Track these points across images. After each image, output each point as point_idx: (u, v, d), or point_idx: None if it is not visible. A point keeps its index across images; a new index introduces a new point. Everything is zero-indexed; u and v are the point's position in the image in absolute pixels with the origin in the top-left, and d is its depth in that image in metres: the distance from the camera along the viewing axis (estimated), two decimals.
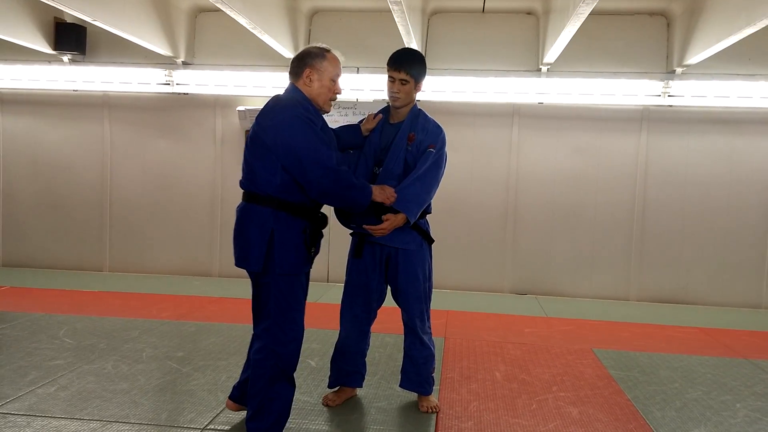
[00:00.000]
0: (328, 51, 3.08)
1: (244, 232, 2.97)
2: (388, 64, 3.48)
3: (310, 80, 3.03)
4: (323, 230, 3.14)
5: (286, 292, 2.95)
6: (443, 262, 7.60)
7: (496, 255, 7.61)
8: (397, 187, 3.38)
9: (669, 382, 4.33)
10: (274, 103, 3.01)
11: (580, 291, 7.50)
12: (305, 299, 3.08)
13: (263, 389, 2.96)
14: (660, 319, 6.41)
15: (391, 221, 3.34)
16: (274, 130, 2.89)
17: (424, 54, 7.24)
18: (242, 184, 3.04)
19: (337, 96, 3.18)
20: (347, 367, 3.71)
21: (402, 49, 3.60)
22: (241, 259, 3.00)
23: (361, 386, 3.79)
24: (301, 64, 3.04)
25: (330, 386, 3.76)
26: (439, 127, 3.56)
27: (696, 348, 5.28)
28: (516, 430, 3.41)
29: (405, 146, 3.47)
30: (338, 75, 3.11)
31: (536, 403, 3.82)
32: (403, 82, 3.43)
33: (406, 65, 3.43)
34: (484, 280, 7.62)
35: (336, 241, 7.66)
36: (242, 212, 3.00)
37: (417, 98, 3.62)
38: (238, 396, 3.34)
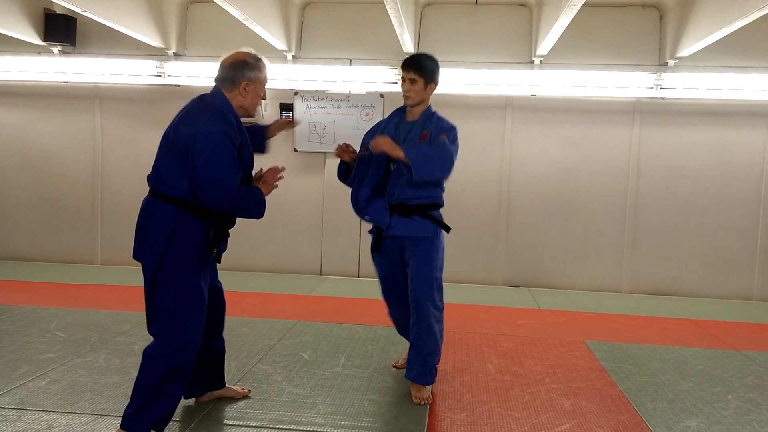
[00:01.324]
0: (260, 60, 3.08)
1: (145, 225, 2.94)
2: (401, 66, 3.69)
3: (246, 91, 3.03)
4: (229, 230, 3.15)
5: (186, 291, 2.92)
6: None
7: (489, 247, 7.61)
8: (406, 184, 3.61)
9: (661, 373, 4.35)
10: (198, 110, 2.98)
11: (572, 283, 7.52)
12: (205, 301, 3.03)
13: (152, 388, 2.89)
14: (652, 311, 6.43)
15: (392, 145, 3.45)
16: (189, 139, 2.85)
17: (416, 46, 7.30)
18: (149, 180, 3.01)
19: (264, 98, 3.19)
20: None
21: (416, 53, 3.85)
22: (139, 251, 2.96)
23: None
24: (238, 75, 3.01)
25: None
26: (452, 125, 3.70)
27: (688, 340, 5.31)
28: (509, 422, 3.41)
29: (417, 144, 3.59)
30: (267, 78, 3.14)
31: (529, 395, 3.83)
32: (412, 81, 3.64)
33: (416, 65, 3.65)
34: (476, 273, 7.62)
35: (329, 235, 7.67)
36: (146, 206, 2.97)
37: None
38: (193, 386, 3.39)
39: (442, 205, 3.75)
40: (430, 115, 3.71)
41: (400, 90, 3.75)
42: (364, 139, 3.86)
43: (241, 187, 2.91)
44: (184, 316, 2.92)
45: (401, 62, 3.72)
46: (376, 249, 3.77)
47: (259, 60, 3.07)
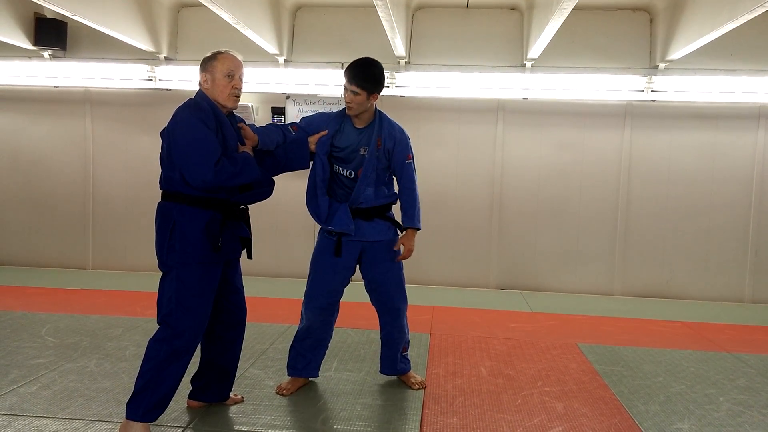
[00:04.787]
0: (220, 53, 3.21)
1: (157, 225, 3.16)
2: (343, 73, 3.52)
3: (206, 81, 3.19)
4: (244, 221, 3.34)
5: (189, 282, 3.07)
6: (428, 258, 7.60)
7: (481, 250, 7.62)
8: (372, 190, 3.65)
9: (653, 376, 4.36)
10: (178, 108, 3.19)
11: (564, 286, 7.53)
12: (212, 291, 3.16)
13: (150, 371, 3.02)
14: (644, 314, 6.45)
15: (411, 239, 3.71)
16: (169, 131, 3.12)
17: (408, 50, 7.31)
18: (159, 183, 3.25)
19: (237, 90, 3.22)
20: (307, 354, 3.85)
21: (360, 60, 3.58)
22: (156, 251, 3.16)
23: (316, 375, 3.91)
24: (199, 70, 3.22)
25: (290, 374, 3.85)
26: (403, 132, 3.71)
27: (679, 342, 5.32)
28: (501, 426, 3.41)
29: (375, 152, 3.60)
30: (232, 70, 3.18)
31: (521, 398, 3.83)
32: (354, 93, 3.48)
33: (358, 78, 3.47)
34: (469, 276, 7.63)
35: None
36: (156, 209, 3.20)
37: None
38: (203, 390, 3.50)
39: (395, 203, 3.82)
40: (379, 121, 3.64)
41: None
42: (301, 121, 3.70)
43: (222, 159, 3.02)
44: (185, 302, 3.06)
45: (345, 68, 3.53)
46: (338, 254, 3.66)
47: (218, 52, 3.21)
